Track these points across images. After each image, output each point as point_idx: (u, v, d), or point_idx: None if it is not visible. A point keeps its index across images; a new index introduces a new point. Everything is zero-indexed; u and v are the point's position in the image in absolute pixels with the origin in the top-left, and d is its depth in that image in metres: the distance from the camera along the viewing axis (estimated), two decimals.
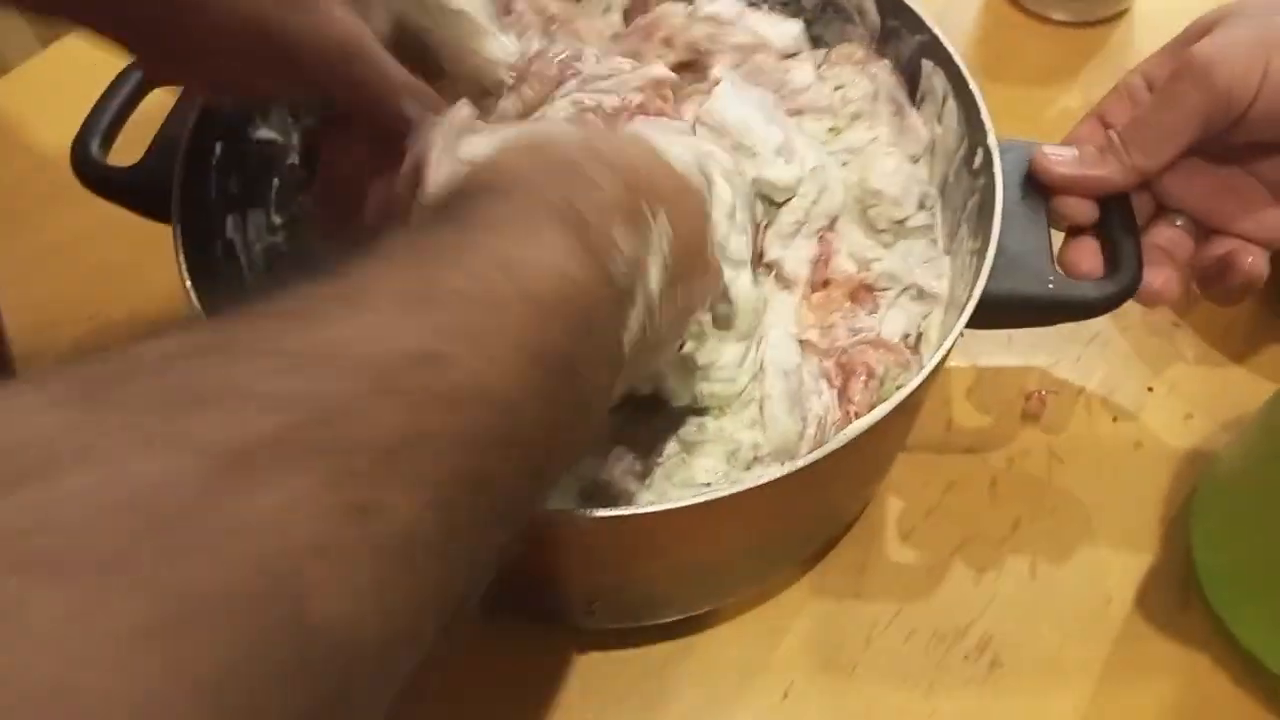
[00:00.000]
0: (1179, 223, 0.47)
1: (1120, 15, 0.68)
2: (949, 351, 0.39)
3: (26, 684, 0.15)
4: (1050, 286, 0.43)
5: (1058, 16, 0.67)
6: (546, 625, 0.47)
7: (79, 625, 0.16)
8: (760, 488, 0.35)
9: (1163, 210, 0.48)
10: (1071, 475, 0.51)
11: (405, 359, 0.22)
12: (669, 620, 0.47)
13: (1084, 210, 0.46)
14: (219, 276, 0.44)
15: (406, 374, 0.22)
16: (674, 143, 0.37)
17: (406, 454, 0.21)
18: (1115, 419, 0.53)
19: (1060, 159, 0.46)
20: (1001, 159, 0.45)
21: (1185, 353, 0.55)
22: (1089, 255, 0.45)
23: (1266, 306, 0.56)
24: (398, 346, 0.22)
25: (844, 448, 0.36)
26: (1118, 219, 0.45)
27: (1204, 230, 0.47)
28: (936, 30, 0.49)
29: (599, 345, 0.28)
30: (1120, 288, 0.44)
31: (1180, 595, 0.48)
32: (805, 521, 0.46)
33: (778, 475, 0.36)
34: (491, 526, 0.24)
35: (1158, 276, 0.45)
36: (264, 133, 0.47)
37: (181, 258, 0.39)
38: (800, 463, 0.36)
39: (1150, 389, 0.54)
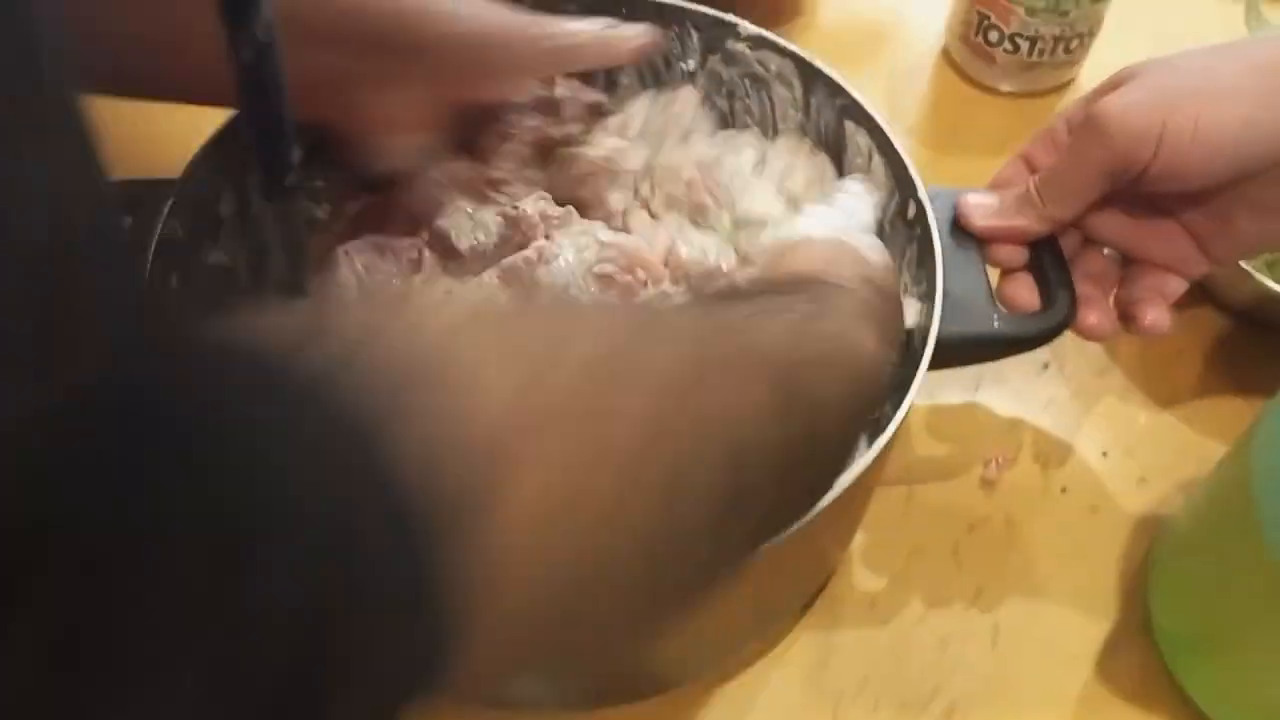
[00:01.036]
0: (1106, 252, 0.51)
1: (1065, 85, 0.70)
2: (915, 394, 0.41)
3: None
4: (995, 325, 0.46)
5: (1005, 88, 0.70)
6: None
7: None
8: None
9: (1090, 241, 0.51)
10: (1030, 541, 0.52)
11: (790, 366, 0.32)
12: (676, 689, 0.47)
13: (1014, 254, 0.49)
14: None
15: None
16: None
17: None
18: (1070, 485, 0.54)
19: (981, 210, 0.49)
20: (931, 205, 0.47)
21: (1138, 417, 0.57)
22: (1025, 289, 0.48)
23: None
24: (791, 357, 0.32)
25: (819, 512, 0.37)
26: (1047, 257, 0.49)
27: (1127, 260, 0.50)
28: (855, 94, 0.51)
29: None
30: (1057, 321, 0.47)
31: (1141, 658, 0.49)
32: (784, 581, 0.47)
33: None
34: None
35: (1090, 313, 0.48)
36: (216, 257, 0.48)
37: None
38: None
39: (1105, 454, 0.55)
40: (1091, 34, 0.67)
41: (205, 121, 0.48)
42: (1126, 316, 0.49)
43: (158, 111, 0.44)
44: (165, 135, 0.48)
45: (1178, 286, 0.49)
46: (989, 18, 0.66)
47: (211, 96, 0.43)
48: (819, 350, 0.34)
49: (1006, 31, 0.66)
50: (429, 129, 0.48)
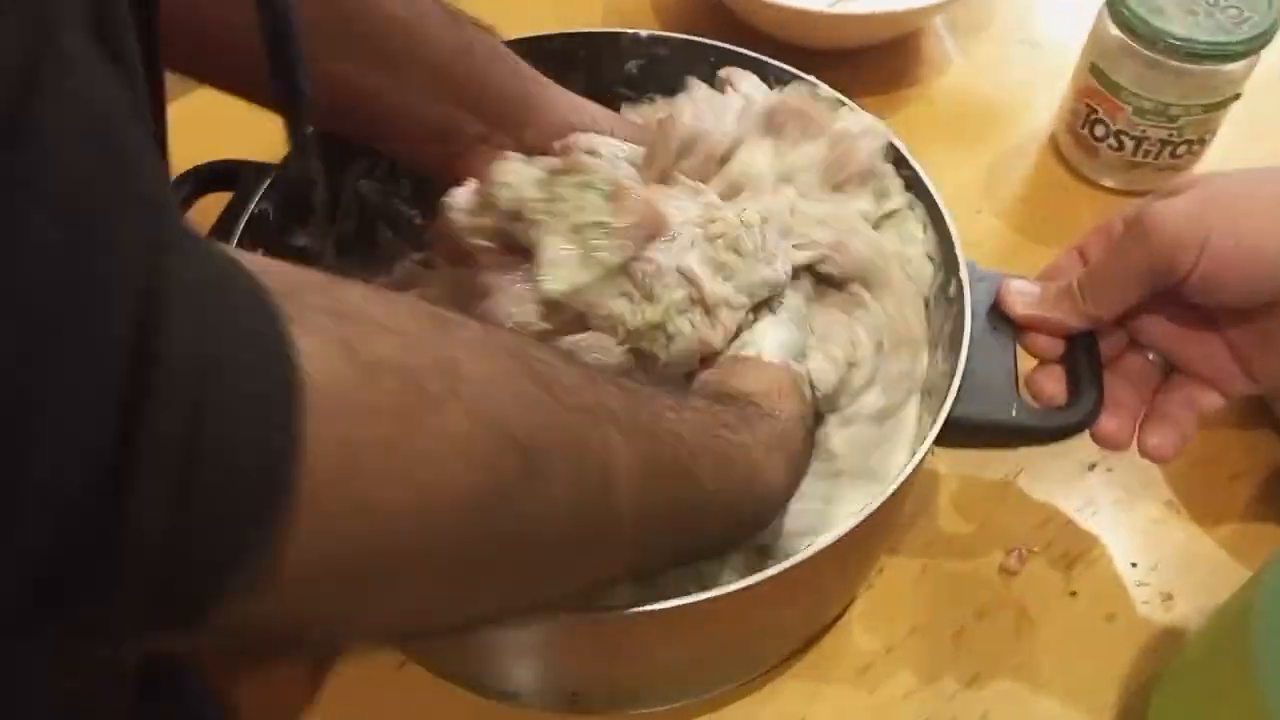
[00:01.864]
0: (1151, 356, 0.50)
1: None
2: (919, 464, 0.43)
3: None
4: (1013, 413, 0.47)
5: (1106, 183, 0.69)
6: (536, 709, 0.49)
7: None
8: (738, 591, 0.38)
9: (1135, 343, 0.50)
10: (1039, 638, 0.52)
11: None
12: (656, 709, 0.49)
13: (1050, 345, 0.49)
14: None
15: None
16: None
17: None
18: (1091, 589, 0.53)
19: (1023, 298, 0.49)
20: (974, 287, 0.49)
21: (1176, 534, 0.56)
22: (1053, 381, 0.49)
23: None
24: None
25: (817, 554, 0.40)
26: (1082, 354, 0.49)
27: (1170, 367, 0.50)
28: (917, 166, 0.53)
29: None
30: (1077, 419, 0.47)
31: None
32: (788, 616, 0.49)
33: (760, 578, 0.39)
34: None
35: (1111, 419, 0.48)
36: (301, 240, 0.52)
37: None
38: (779, 567, 0.39)
39: (1134, 564, 0.55)
40: (1202, 142, 0.66)
41: None
42: (1144, 425, 0.49)
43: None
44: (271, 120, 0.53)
45: (1214, 402, 0.49)
46: (1097, 111, 0.66)
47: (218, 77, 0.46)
48: (718, 450, 0.36)
49: (1113, 128, 0.66)
50: None
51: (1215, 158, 0.68)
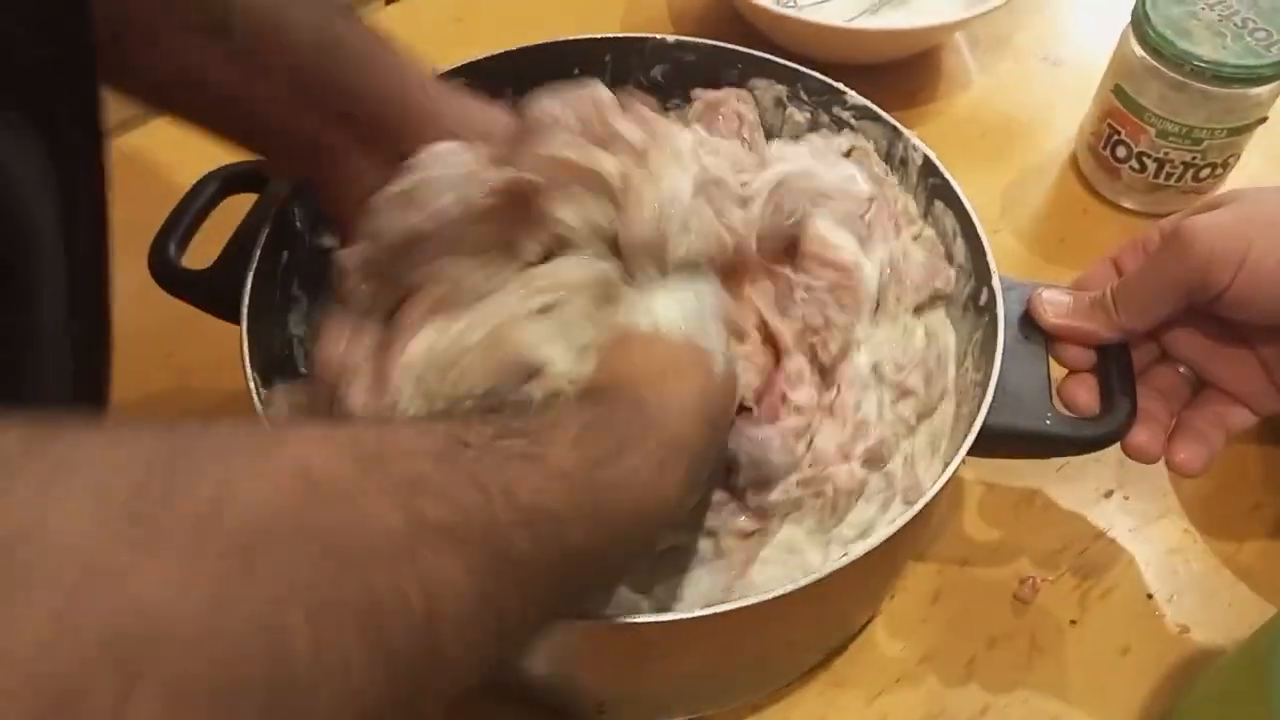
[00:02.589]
0: (1181, 370, 0.50)
1: None
2: (954, 473, 0.42)
3: None
4: (1047, 423, 0.46)
5: (1127, 205, 0.68)
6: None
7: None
8: (764, 603, 0.38)
9: (1167, 356, 0.50)
10: (1050, 669, 0.51)
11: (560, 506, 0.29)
12: None
13: (1081, 356, 0.49)
14: (283, 370, 0.48)
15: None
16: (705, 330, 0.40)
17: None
18: (1106, 621, 0.52)
19: (1055, 308, 0.48)
20: (1005, 296, 0.48)
21: (1194, 565, 0.54)
22: (1086, 391, 0.48)
23: None
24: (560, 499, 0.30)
25: (838, 571, 0.39)
26: (1114, 365, 0.48)
27: (1201, 382, 0.50)
28: (947, 174, 0.52)
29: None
30: (1108, 430, 0.47)
31: None
32: (815, 627, 0.48)
33: (785, 590, 0.38)
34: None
35: (1141, 431, 0.47)
36: (328, 240, 0.51)
37: (247, 360, 0.43)
38: (807, 580, 0.38)
39: (1150, 595, 0.53)
40: (1226, 166, 0.65)
41: None
42: (1172, 439, 0.48)
43: None
44: None
45: (1243, 419, 0.48)
46: (1119, 133, 0.65)
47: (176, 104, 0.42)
48: (588, 503, 0.31)
49: (1135, 149, 0.64)
50: None
51: (1239, 181, 0.67)
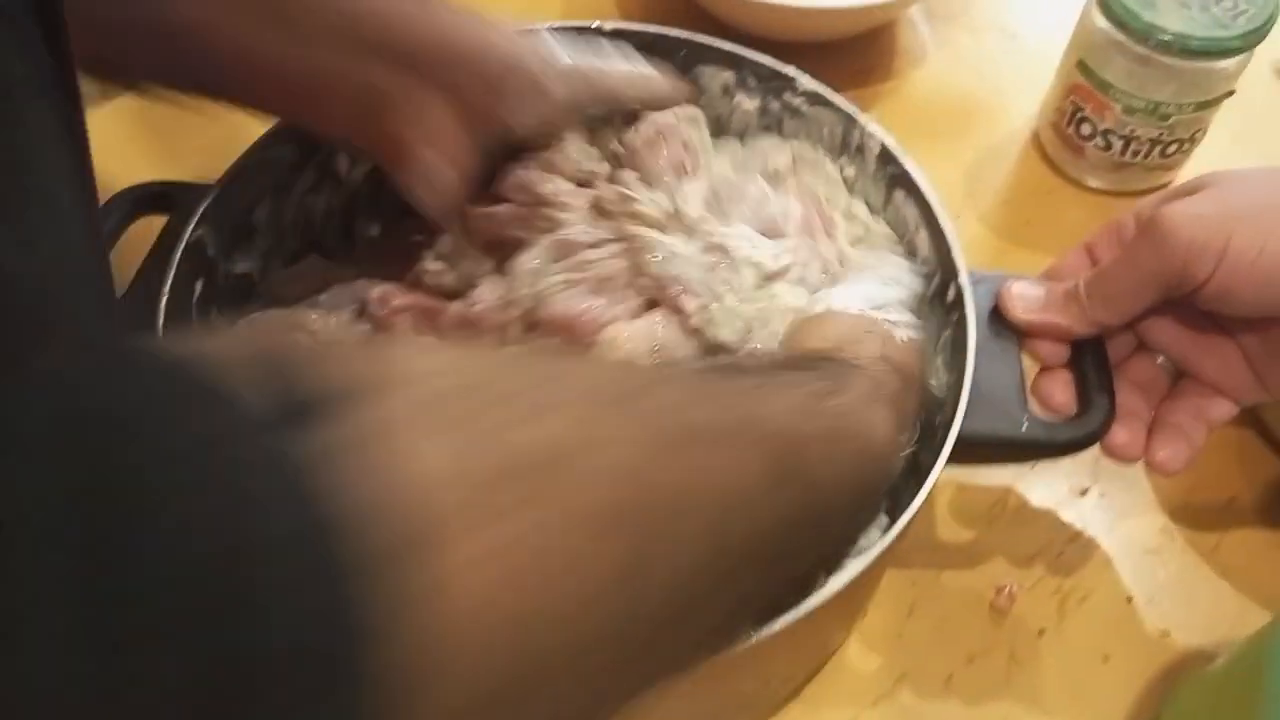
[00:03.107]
0: (1159, 361, 0.48)
1: (1158, 190, 0.66)
2: (932, 488, 0.40)
3: None
4: (1023, 428, 0.44)
5: (1092, 184, 0.66)
6: None
7: None
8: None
9: (1144, 347, 0.48)
10: (1031, 681, 0.49)
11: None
12: None
13: (1055, 351, 0.46)
14: None
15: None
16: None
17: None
18: (1085, 628, 0.51)
19: (1025, 302, 0.46)
20: (973, 289, 0.45)
21: (1173, 564, 0.53)
22: (1061, 388, 0.46)
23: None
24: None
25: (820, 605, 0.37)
26: (1090, 360, 0.46)
27: (1180, 372, 0.48)
28: (906, 162, 0.50)
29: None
30: (1087, 432, 0.44)
31: None
32: (793, 658, 0.46)
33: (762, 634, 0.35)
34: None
35: (1121, 430, 0.45)
36: (243, 266, 0.47)
37: None
38: (784, 620, 0.36)
39: (1130, 599, 0.52)
40: (1194, 141, 0.62)
41: (249, 131, 0.48)
42: (1151, 436, 0.46)
43: (200, 119, 0.44)
44: (210, 142, 0.49)
45: (1224, 412, 0.46)
46: (1083, 110, 0.62)
47: (213, 88, 0.43)
48: (824, 426, 0.33)
49: (1100, 127, 0.62)
50: (460, 159, 0.46)
51: (1207, 156, 0.64)
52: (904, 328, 0.43)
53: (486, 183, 0.47)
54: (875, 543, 0.39)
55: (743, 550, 0.28)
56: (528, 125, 0.47)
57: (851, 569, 0.38)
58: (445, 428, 0.22)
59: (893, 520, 0.40)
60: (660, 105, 0.50)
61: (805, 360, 0.38)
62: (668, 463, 0.26)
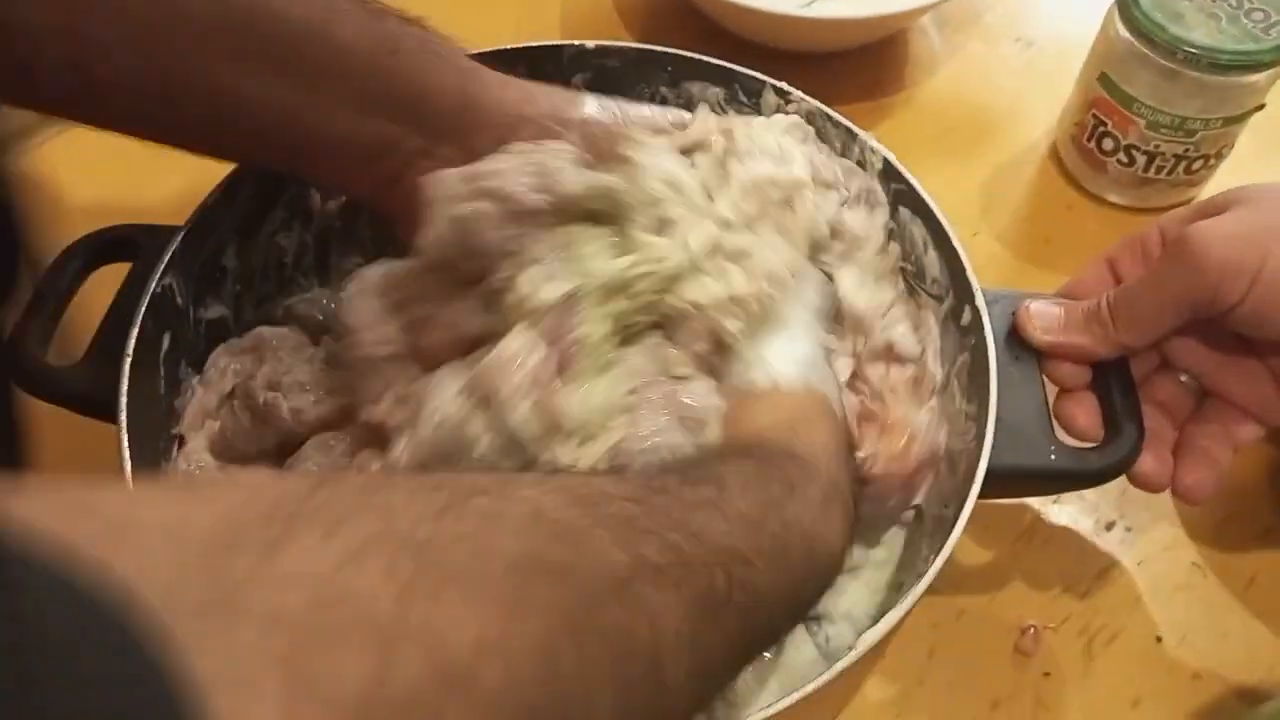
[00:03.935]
0: (1183, 379, 0.46)
1: (1181, 206, 0.64)
2: (962, 531, 0.38)
3: None
4: (1051, 458, 0.42)
5: (1113, 199, 0.63)
6: None
7: None
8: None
9: (1167, 364, 0.46)
10: None
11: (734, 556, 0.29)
12: None
13: (1075, 373, 0.44)
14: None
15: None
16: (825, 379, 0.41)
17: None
18: (1114, 670, 0.48)
19: (1044, 322, 0.44)
20: (989, 311, 0.43)
21: (1205, 603, 0.50)
22: (1085, 412, 0.44)
23: None
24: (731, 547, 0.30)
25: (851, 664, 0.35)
26: (1115, 382, 0.44)
27: (1204, 391, 0.46)
28: (911, 179, 0.48)
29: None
30: (1119, 458, 0.42)
31: None
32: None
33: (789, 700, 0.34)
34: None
35: (1147, 457, 0.43)
36: (215, 311, 0.45)
37: (129, 471, 0.37)
38: (821, 680, 0.34)
39: (1159, 639, 0.49)
40: (1219, 156, 0.60)
41: (213, 174, 0.45)
42: (1176, 462, 0.44)
43: (166, 161, 0.42)
44: (175, 185, 0.46)
45: (1251, 434, 0.45)
46: (1106, 124, 0.60)
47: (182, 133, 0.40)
48: (773, 543, 0.32)
49: (1123, 142, 0.60)
50: None
51: (1231, 170, 0.62)
52: (837, 397, 0.41)
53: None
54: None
55: (674, 687, 0.27)
56: None
57: (874, 634, 0.36)
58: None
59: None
60: None
61: (757, 453, 0.36)
62: (582, 642, 0.23)
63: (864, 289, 0.46)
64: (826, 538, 0.34)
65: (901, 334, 0.45)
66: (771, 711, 0.33)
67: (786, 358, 0.41)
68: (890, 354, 0.45)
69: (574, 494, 0.27)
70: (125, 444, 0.37)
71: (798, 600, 0.35)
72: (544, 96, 0.44)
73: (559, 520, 0.25)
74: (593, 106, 0.45)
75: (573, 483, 0.30)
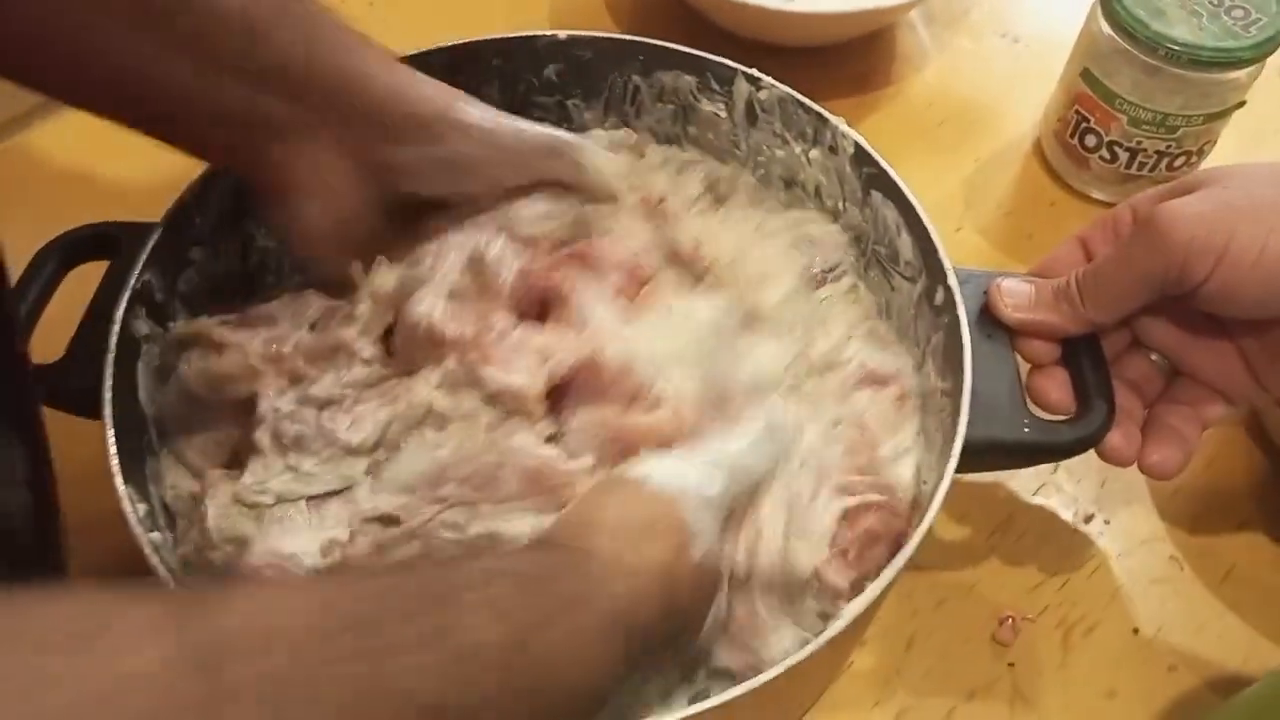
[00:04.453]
0: (1154, 358, 0.46)
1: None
2: (941, 502, 0.39)
3: None
4: (1025, 431, 0.42)
5: (1096, 195, 0.64)
6: None
7: None
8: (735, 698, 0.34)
9: (1138, 344, 0.46)
10: (1035, 718, 0.47)
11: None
12: None
13: (1046, 350, 0.45)
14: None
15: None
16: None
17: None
18: (1091, 662, 0.49)
19: (1015, 299, 0.45)
20: (962, 290, 0.44)
21: (1181, 594, 0.51)
22: (1057, 387, 0.44)
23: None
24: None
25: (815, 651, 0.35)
26: (1086, 358, 0.44)
27: (1175, 370, 0.46)
28: (883, 162, 0.48)
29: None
30: (1091, 431, 0.43)
31: None
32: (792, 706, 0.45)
33: (756, 683, 0.34)
34: None
35: (1115, 432, 0.44)
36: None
37: (117, 471, 0.37)
38: (790, 661, 0.34)
39: (1136, 630, 0.50)
40: (1201, 153, 0.61)
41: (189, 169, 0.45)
42: (1145, 438, 0.45)
43: (144, 158, 0.42)
44: (153, 180, 0.46)
45: (1220, 413, 0.45)
46: (1088, 120, 0.60)
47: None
48: (499, 685, 0.28)
49: (1105, 138, 0.60)
50: (343, 205, 0.43)
51: (1211, 165, 0.62)
52: (709, 549, 0.36)
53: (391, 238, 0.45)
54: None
55: None
56: (434, 190, 0.45)
57: (853, 609, 0.36)
58: None
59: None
60: (587, 192, 0.47)
61: (545, 553, 0.34)
62: None
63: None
64: (591, 667, 0.31)
65: (876, 357, 0.47)
66: (758, 684, 0.33)
67: (685, 471, 0.37)
68: (872, 378, 0.46)
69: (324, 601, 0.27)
70: (111, 440, 0.37)
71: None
72: (429, 95, 0.43)
73: (297, 642, 0.25)
74: (475, 114, 0.44)
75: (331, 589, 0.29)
